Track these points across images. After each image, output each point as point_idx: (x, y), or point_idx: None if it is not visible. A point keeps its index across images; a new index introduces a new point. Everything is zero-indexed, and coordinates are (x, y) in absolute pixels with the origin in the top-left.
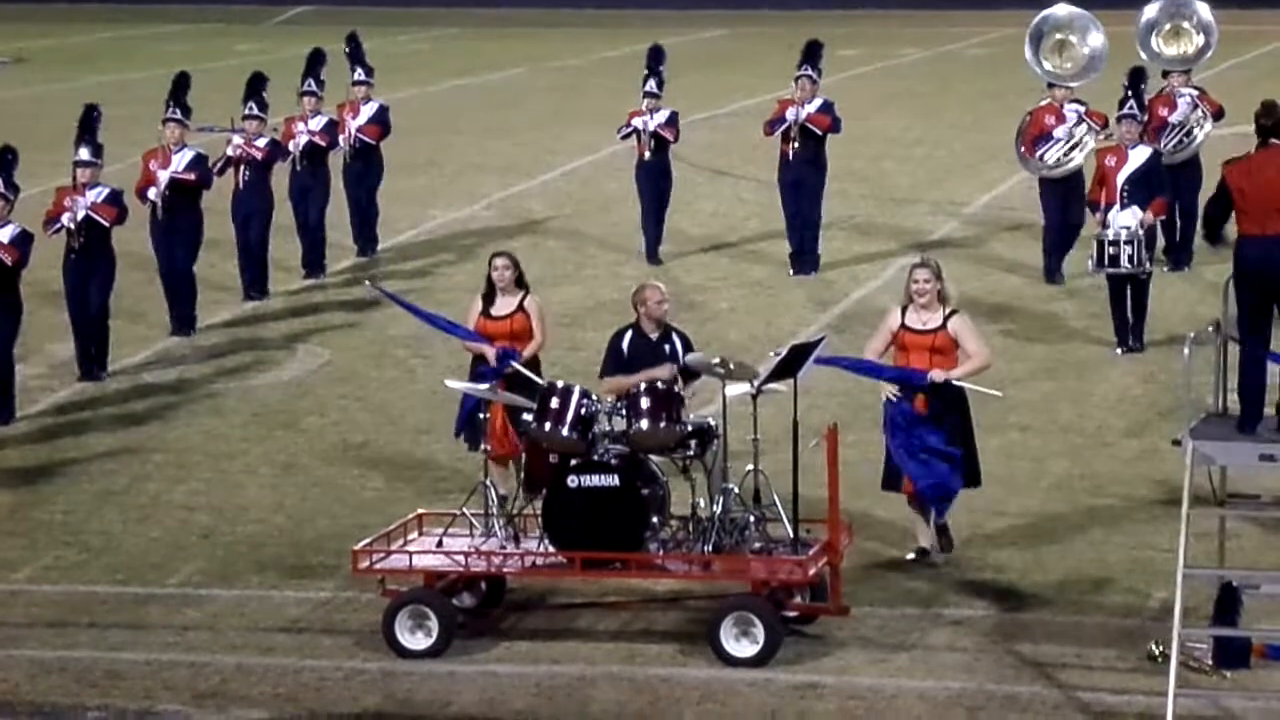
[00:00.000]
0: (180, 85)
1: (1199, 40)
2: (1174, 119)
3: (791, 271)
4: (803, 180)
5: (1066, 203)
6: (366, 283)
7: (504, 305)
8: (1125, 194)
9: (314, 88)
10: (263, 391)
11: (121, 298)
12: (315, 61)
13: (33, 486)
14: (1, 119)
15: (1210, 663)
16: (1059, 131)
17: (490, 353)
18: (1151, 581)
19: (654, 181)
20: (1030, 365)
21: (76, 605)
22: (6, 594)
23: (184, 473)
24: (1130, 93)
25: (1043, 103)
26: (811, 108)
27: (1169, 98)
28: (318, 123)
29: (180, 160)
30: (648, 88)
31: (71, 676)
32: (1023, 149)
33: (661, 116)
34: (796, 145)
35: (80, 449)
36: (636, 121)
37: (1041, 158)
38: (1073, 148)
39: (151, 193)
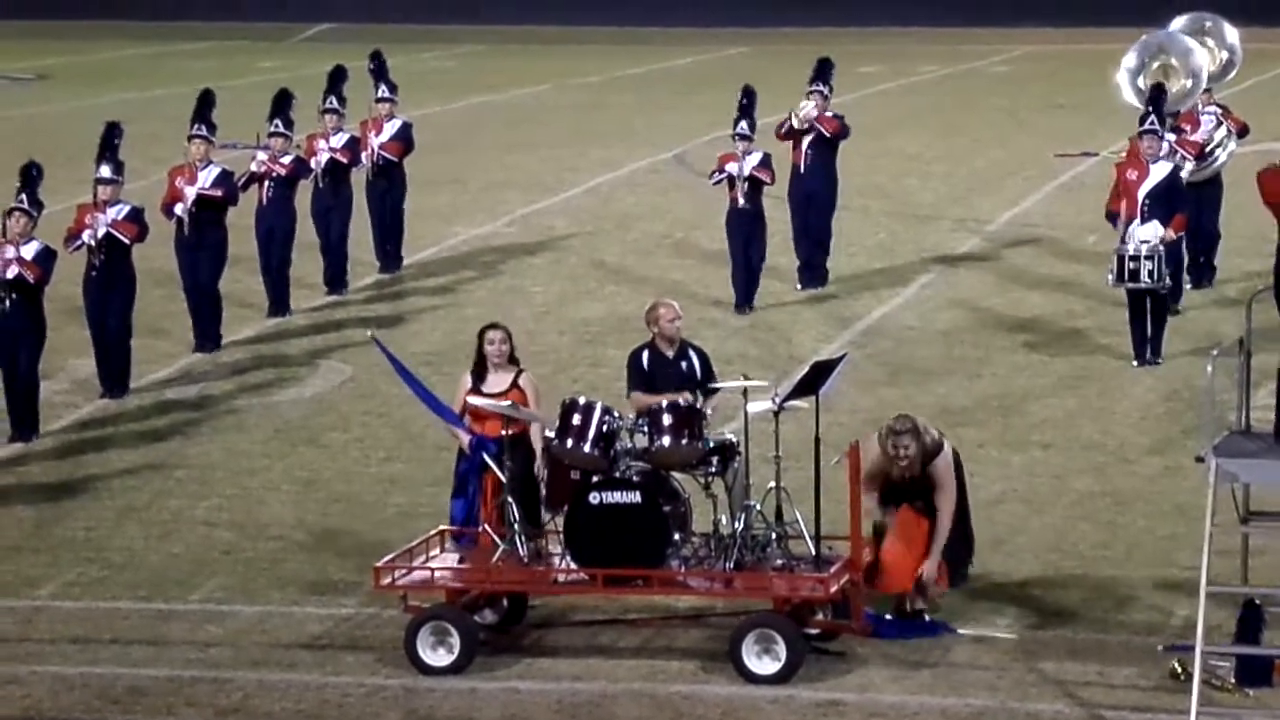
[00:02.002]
0: (205, 102)
1: (1223, 58)
2: (1198, 137)
3: (799, 285)
4: (814, 194)
5: (1199, 211)
6: (369, 333)
7: (496, 382)
8: (1146, 209)
9: (335, 105)
10: (285, 408)
11: (144, 314)
12: (337, 79)
13: (55, 503)
14: (25, 135)
15: (1233, 681)
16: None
17: (465, 439)
18: (1174, 599)
19: (747, 226)
20: (1052, 381)
21: (99, 621)
22: (30, 610)
23: (206, 489)
24: (1151, 108)
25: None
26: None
27: (1193, 115)
28: (339, 140)
29: (206, 177)
30: (739, 129)
31: (94, 693)
32: None
33: (755, 159)
34: (810, 153)
35: (103, 465)
36: (730, 167)
37: None
38: (1214, 149)
39: (178, 209)
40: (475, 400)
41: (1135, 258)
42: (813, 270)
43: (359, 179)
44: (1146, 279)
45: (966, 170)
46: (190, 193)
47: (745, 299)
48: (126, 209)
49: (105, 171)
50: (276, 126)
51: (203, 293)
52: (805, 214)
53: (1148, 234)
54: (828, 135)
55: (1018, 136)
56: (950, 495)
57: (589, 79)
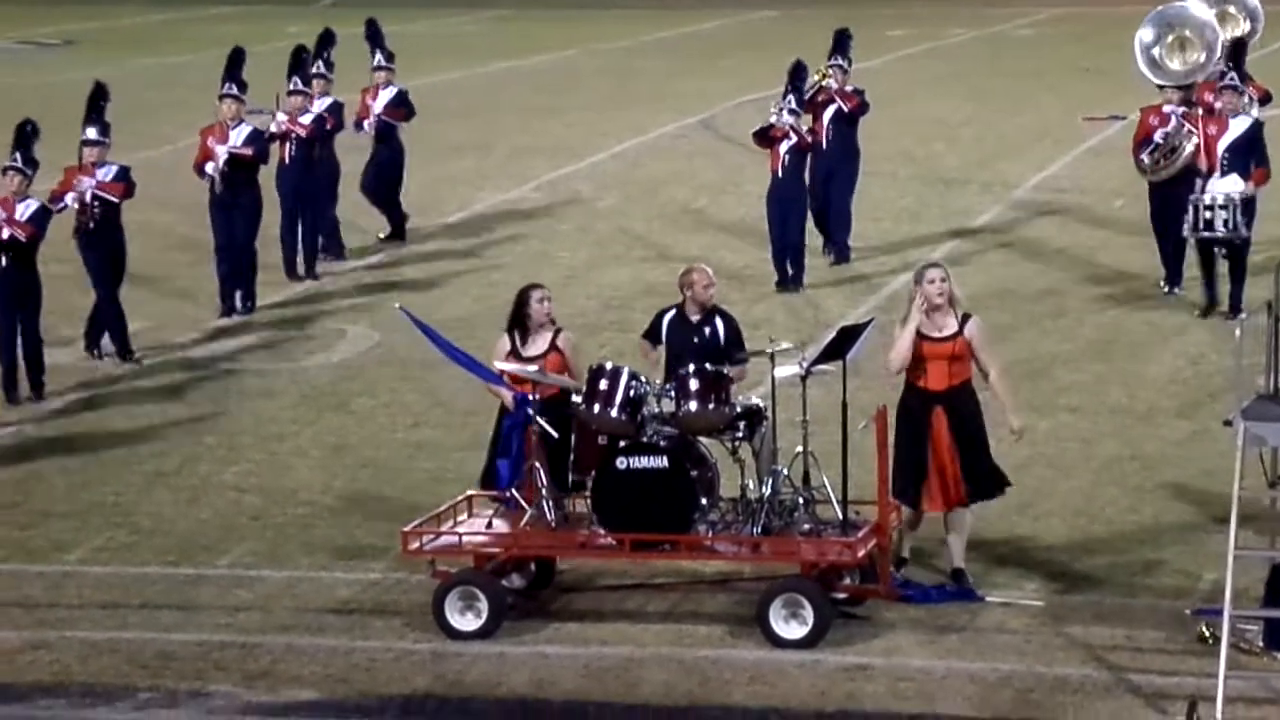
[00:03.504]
0: (236, 61)
1: (1245, 25)
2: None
3: (825, 253)
4: (834, 170)
5: None
6: (396, 305)
7: (536, 344)
8: (1225, 162)
9: (323, 70)
10: (313, 373)
11: (171, 279)
12: (324, 43)
13: (84, 468)
14: (50, 101)
15: (1261, 644)
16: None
17: (508, 397)
18: (1202, 563)
19: (786, 201)
20: (1080, 346)
21: (128, 586)
22: (59, 575)
23: (234, 454)
24: (1231, 64)
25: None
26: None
27: (1214, 84)
28: (321, 105)
29: (238, 135)
30: (790, 105)
31: (123, 658)
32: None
33: (802, 127)
34: (830, 129)
35: (131, 430)
36: (779, 116)
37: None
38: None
39: (209, 168)
40: (504, 365)
41: (1210, 207)
42: (837, 244)
43: (355, 143)
44: (1221, 228)
45: (994, 135)
46: (221, 152)
47: (785, 277)
48: (114, 170)
49: (91, 133)
50: (295, 85)
51: (238, 252)
52: (826, 190)
53: (1227, 186)
54: (847, 111)
55: (1045, 100)
56: (993, 351)
57: (615, 44)
